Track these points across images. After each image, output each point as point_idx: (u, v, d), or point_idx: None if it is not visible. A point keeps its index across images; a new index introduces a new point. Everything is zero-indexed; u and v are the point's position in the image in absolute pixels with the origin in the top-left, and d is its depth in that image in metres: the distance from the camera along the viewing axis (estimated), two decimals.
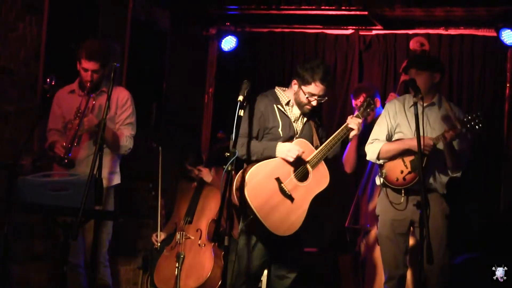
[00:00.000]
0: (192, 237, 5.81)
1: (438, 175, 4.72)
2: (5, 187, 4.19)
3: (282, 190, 4.40)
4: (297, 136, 4.54)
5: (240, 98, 4.24)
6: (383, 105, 5.73)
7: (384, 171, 4.73)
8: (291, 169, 4.45)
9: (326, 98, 4.55)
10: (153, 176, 6.68)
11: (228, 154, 4.12)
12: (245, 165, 4.47)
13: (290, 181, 4.43)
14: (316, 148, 4.52)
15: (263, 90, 4.71)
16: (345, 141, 4.65)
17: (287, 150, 4.42)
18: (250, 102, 4.51)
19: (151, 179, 6.55)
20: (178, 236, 5.88)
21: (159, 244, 5.91)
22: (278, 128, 4.52)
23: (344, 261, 5.58)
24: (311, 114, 4.61)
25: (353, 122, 4.54)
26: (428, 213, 3.91)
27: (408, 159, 4.63)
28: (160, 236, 5.94)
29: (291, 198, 4.42)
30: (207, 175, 6.05)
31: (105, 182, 4.75)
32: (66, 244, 3.98)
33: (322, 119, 4.88)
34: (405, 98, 4.89)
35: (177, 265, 5.69)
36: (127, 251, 6.61)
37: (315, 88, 4.44)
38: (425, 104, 4.70)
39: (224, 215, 4.20)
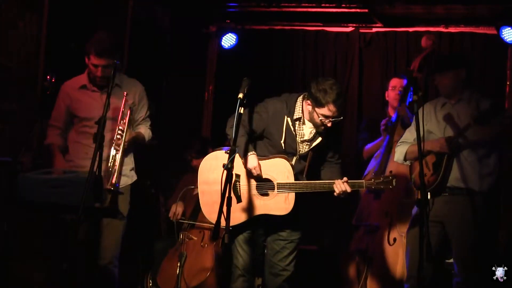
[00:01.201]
0: (195, 238, 5.84)
1: (472, 170, 4.62)
2: (5, 185, 4.19)
3: (235, 188, 4.39)
4: (298, 155, 4.48)
5: (240, 95, 4.23)
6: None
7: (413, 176, 4.73)
8: (258, 178, 4.44)
9: (341, 118, 4.37)
10: (151, 173, 6.68)
11: (228, 151, 4.11)
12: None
13: (248, 186, 4.43)
14: (297, 178, 4.44)
15: (262, 89, 4.71)
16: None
17: (252, 166, 4.38)
18: (252, 98, 4.46)
19: (149, 177, 6.55)
20: (181, 236, 5.89)
21: (178, 217, 5.93)
22: (281, 140, 4.45)
23: (345, 259, 5.57)
24: (324, 139, 4.48)
25: (339, 187, 4.34)
26: (428, 212, 3.90)
27: (430, 162, 4.63)
28: (179, 208, 5.98)
29: (238, 199, 4.41)
30: None
31: (126, 180, 4.83)
32: (66, 242, 3.99)
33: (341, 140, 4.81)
34: (437, 100, 4.86)
35: (178, 264, 5.71)
36: (126, 250, 6.60)
37: (328, 110, 4.29)
38: (453, 102, 4.72)
39: (224, 213, 4.19)
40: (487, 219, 4.68)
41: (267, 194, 4.43)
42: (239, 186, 4.44)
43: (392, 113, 5.82)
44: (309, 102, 4.37)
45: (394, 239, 5.24)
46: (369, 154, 5.85)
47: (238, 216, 4.40)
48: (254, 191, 4.45)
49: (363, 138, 6.11)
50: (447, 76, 4.69)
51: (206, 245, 5.77)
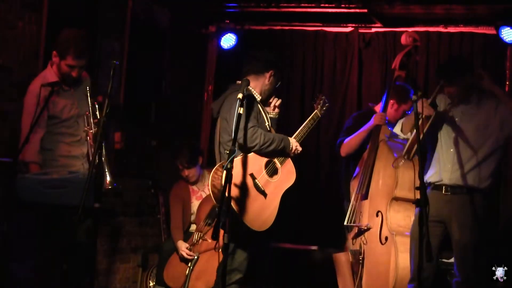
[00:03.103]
0: (209, 240, 5.73)
1: (474, 169, 4.65)
2: (5, 185, 4.18)
3: (256, 186, 4.48)
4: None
5: (240, 96, 4.24)
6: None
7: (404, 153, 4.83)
8: (262, 165, 4.55)
9: None
10: (152, 173, 6.69)
11: (228, 151, 4.12)
12: (217, 162, 4.56)
13: (262, 177, 4.53)
14: None
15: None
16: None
17: (295, 145, 4.67)
18: (249, 98, 4.55)
19: (150, 177, 6.55)
20: (195, 236, 5.83)
21: (195, 256, 5.77)
22: (265, 123, 4.65)
23: (339, 259, 5.56)
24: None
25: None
26: (427, 212, 3.90)
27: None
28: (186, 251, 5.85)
29: (264, 194, 4.51)
30: (193, 177, 6.06)
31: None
32: (65, 242, 3.99)
33: None
34: (440, 99, 4.89)
35: (189, 265, 5.66)
36: (126, 249, 6.61)
37: None
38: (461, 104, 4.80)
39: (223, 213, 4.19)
40: (487, 218, 4.68)
41: (275, 174, 4.60)
42: (258, 182, 4.50)
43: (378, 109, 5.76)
44: (272, 72, 4.69)
45: (386, 238, 5.23)
46: (349, 149, 5.66)
47: (272, 211, 4.53)
48: (267, 178, 4.56)
49: (342, 136, 5.85)
50: (455, 84, 4.72)
51: (220, 249, 5.65)
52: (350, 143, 5.66)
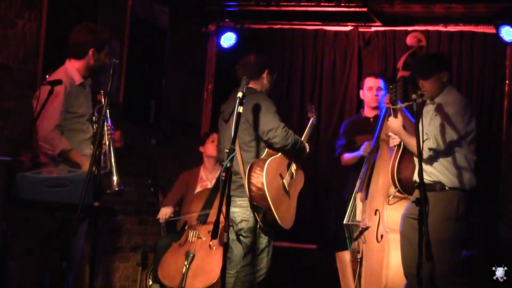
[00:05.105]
0: (204, 238, 5.73)
1: (447, 167, 4.64)
2: (4, 184, 4.18)
3: (284, 186, 4.68)
4: None
5: (240, 94, 4.24)
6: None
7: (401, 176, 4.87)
8: (285, 166, 4.74)
9: None
10: (151, 172, 6.69)
11: (227, 150, 4.12)
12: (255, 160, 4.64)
13: (287, 178, 4.72)
14: None
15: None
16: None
17: (307, 147, 4.89)
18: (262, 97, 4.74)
19: (150, 175, 6.56)
20: (190, 234, 5.81)
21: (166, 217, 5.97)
22: None
23: (341, 258, 5.56)
24: None
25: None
26: (427, 211, 3.90)
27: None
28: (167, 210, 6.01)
29: (288, 194, 4.71)
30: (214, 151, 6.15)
31: None
32: (64, 241, 3.99)
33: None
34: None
35: (185, 263, 5.64)
36: (125, 248, 6.61)
37: None
38: (433, 102, 4.78)
39: (223, 212, 4.18)
40: (462, 216, 4.65)
41: (292, 176, 4.81)
42: (285, 183, 4.71)
43: (369, 114, 5.92)
44: (267, 71, 4.87)
45: (381, 236, 5.24)
46: (347, 165, 5.89)
47: (294, 211, 4.81)
48: (289, 179, 4.76)
49: (341, 145, 6.01)
50: (429, 81, 4.72)
51: (214, 247, 5.63)
52: (347, 162, 5.91)
